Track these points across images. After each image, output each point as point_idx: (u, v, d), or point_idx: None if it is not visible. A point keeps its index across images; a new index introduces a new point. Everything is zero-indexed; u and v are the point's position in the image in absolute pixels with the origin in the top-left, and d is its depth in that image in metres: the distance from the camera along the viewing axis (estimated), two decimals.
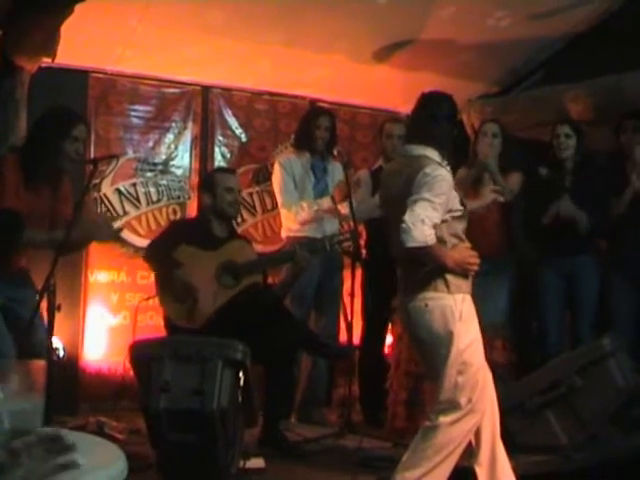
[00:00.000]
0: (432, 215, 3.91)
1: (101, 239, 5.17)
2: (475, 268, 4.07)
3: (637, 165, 5.76)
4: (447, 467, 4.04)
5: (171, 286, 5.22)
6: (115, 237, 5.38)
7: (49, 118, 4.74)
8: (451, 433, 4.01)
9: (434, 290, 4.06)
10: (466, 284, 4.12)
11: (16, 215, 4.45)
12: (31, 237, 4.50)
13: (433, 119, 4.25)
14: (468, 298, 4.11)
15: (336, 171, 6.34)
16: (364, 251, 6.42)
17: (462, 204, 4.17)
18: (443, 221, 4.04)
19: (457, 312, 4.04)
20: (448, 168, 4.16)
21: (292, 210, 6.19)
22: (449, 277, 4.05)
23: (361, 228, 6.74)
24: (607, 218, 5.86)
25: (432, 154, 4.14)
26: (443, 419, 4.01)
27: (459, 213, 4.14)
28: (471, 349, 4.07)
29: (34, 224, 4.53)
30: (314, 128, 6.27)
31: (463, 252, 4.10)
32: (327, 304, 6.33)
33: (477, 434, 4.19)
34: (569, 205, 5.84)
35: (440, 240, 4.01)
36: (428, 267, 4.05)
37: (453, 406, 4.02)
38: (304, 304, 6.20)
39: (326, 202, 6.15)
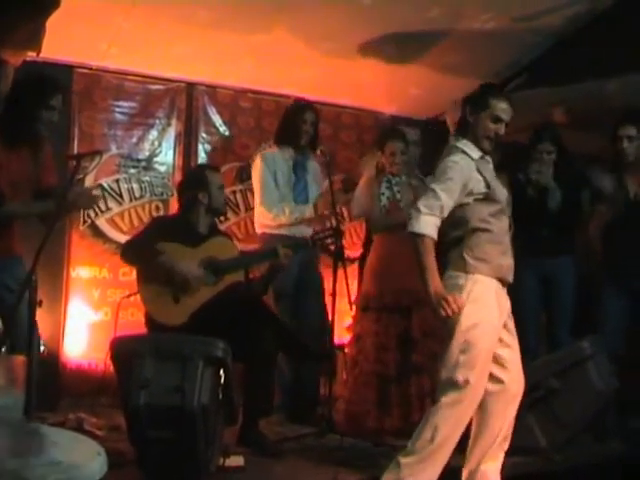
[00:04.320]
0: (432, 204, 4.07)
1: (82, 206, 5.16)
2: (441, 312, 4.04)
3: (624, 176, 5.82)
4: (444, 453, 4.10)
5: (154, 280, 5.19)
6: (95, 204, 5.35)
7: (28, 85, 4.81)
8: (449, 413, 4.08)
9: (453, 269, 4.22)
10: (487, 267, 4.19)
11: None
12: (11, 210, 4.50)
13: (472, 113, 4.33)
14: (485, 280, 4.19)
15: (315, 170, 6.31)
16: (351, 250, 6.47)
17: (488, 187, 4.23)
18: (465, 204, 4.20)
19: (466, 292, 4.12)
20: (485, 158, 4.32)
21: (272, 212, 6.12)
22: (467, 257, 4.18)
23: (347, 227, 6.76)
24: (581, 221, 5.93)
25: (465, 145, 4.27)
26: (444, 399, 4.09)
27: (481, 196, 4.22)
28: (477, 330, 4.11)
29: (18, 192, 4.57)
30: (300, 122, 6.21)
31: (450, 293, 4.10)
32: (310, 303, 6.28)
33: (481, 432, 4.26)
34: (546, 174, 5.88)
35: (463, 222, 4.20)
36: (454, 248, 4.21)
37: (452, 384, 4.08)
38: (285, 302, 6.17)
39: (308, 211, 6.10)
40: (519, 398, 4.32)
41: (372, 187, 6.00)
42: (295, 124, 6.23)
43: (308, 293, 6.27)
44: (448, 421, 4.08)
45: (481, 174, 4.23)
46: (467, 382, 4.06)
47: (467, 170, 4.19)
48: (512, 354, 4.32)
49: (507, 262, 4.29)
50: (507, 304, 4.31)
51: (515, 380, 4.30)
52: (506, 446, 4.32)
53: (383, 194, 5.92)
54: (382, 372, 5.68)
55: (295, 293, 6.25)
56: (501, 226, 4.29)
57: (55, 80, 5.10)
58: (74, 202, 4.87)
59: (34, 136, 4.77)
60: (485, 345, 4.13)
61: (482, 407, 4.22)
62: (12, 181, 4.56)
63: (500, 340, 4.26)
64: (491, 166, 4.37)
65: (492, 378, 4.24)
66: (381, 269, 5.85)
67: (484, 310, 4.16)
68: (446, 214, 4.11)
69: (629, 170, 5.87)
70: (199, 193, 5.48)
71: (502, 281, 4.26)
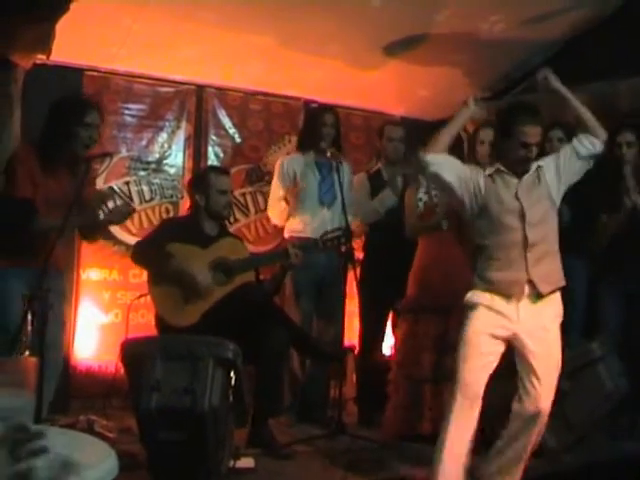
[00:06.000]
0: None
1: (116, 222, 5.18)
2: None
3: (627, 183, 5.79)
4: (449, 446, 4.30)
5: (164, 281, 5.20)
6: (127, 219, 5.36)
7: (63, 106, 4.83)
8: (449, 408, 4.32)
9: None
10: (481, 282, 4.38)
11: (26, 202, 4.54)
12: (44, 224, 4.53)
13: (501, 140, 4.49)
14: (479, 295, 4.36)
15: (343, 169, 6.25)
16: (359, 253, 6.48)
17: (482, 196, 4.40)
18: (473, 220, 4.47)
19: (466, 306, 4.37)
20: (509, 178, 4.42)
21: (274, 210, 6.31)
22: (473, 275, 4.42)
23: (356, 229, 6.76)
24: (593, 223, 5.90)
25: (501, 167, 4.43)
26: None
27: (479, 205, 4.42)
28: (463, 344, 4.30)
29: (55, 210, 4.58)
30: (321, 126, 6.21)
31: None
32: (330, 304, 6.25)
33: (505, 446, 4.41)
34: None
35: (472, 242, 4.51)
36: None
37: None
38: (307, 302, 6.21)
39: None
40: (540, 419, 4.32)
41: (411, 195, 5.99)
42: (316, 128, 6.25)
43: (330, 295, 6.27)
44: (449, 414, 4.30)
45: (485, 184, 4.38)
46: (457, 392, 4.28)
47: (473, 169, 4.45)
48: (541, 370, 4.33)
49: (505, 276, 4.32)
50: (518, 317, 4.32)
51: (535, 401, 4.31)
52: (522, 462, 4.40)
53: (420, 199, 5.89)
54: (416, 375, 5.66)
55: (317, 294, 6.27)
56: (498, 240, 4.36)
57: (88, 97, 5.18)
58: (109, 218, 4.92)
59: (72, 155, 4.78)
60: (469, 338, 4.31)
61: (509, 424, 4.36)
62: (48, 199, 4.58)
63: (530, 352, 4.33)
64: (514, 185, 4.40)
65: (517, 396, 4.35)
66: (421, 272, 5.84)
67: (471, 321, 4.33)
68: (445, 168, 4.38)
69: (626, 178, 5.86)
70: (197, 196, 5.51)
71: (501, 295, 4.32)
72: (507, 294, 4.30)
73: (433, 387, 5.59)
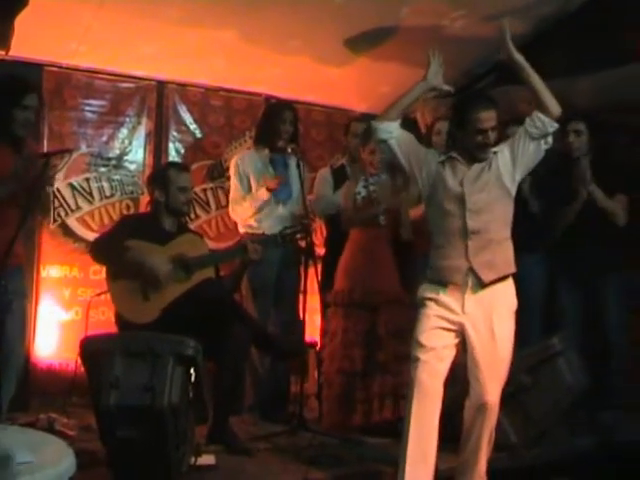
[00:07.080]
0: None
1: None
2: None
3: (582, 175, 5.85)
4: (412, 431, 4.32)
5: (123, 276, 5.16)
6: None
7: (1, 87, 4.85)
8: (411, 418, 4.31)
9: None
10: (429, 270, 4.47)
11: None
12: None
13: (458, 130, 4.49)
14: (428, 286, 4.43)
15: (296, 165, 6.27)
16: (320, 248, 6.50)
17: (430, 181, 4.48)
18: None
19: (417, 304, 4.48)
20: (460, 166, 4.44)
21: (236, 210, 6.25)
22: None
23: (317, 225, 6.76)
24: (555, 218, 5.95)
25: (453, 154, 4.45)
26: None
27: (427, 189, 4.52)
28: (415, 342, 4.38)
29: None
30: (279, 123, 6.20)
31: None
32: (286, 300, 6.30)
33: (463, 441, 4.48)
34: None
35: None
36: None
37: None
38: (264, 298, 6.20)
39: (262, 193, 6.10)
40: (488, 412, 4.34)
41: (350, 187, 6.02)
42: (274, 124, 6.23)
43: (285, 291, 6.28)
44: (409, 414, 4.30)
45: (436, 170, 4.43)
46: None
47: (429, 152, 4.56)
48: (484, 364, 4.35)
49: (447, 264, 4.36)
50: (463, 309, 4.34)
51: (479, 394, 4.34)
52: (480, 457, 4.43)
53: (359, 193, 5.93)
54: (348, 369, 5.71)
55: (274, 290, 6.26)
56: (442, 227, 4.41)
57: (27, 79, 5.15)
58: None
59: (12, 136, 4.79)
60: (421, 335, 4.35)
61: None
62: None
63: (474, 345, 4.34)
64: (462, 173, 4.41)
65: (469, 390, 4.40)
66: (352, 266, 5.88)
67: (424, 319, 4.37)
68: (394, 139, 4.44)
69: (580, 168, 5.92)
70: (157, 192, 5.48)
71: (445, 285, 4.35)
72: (449, 282, 4.32)
73: (363, 381, 5.65)
